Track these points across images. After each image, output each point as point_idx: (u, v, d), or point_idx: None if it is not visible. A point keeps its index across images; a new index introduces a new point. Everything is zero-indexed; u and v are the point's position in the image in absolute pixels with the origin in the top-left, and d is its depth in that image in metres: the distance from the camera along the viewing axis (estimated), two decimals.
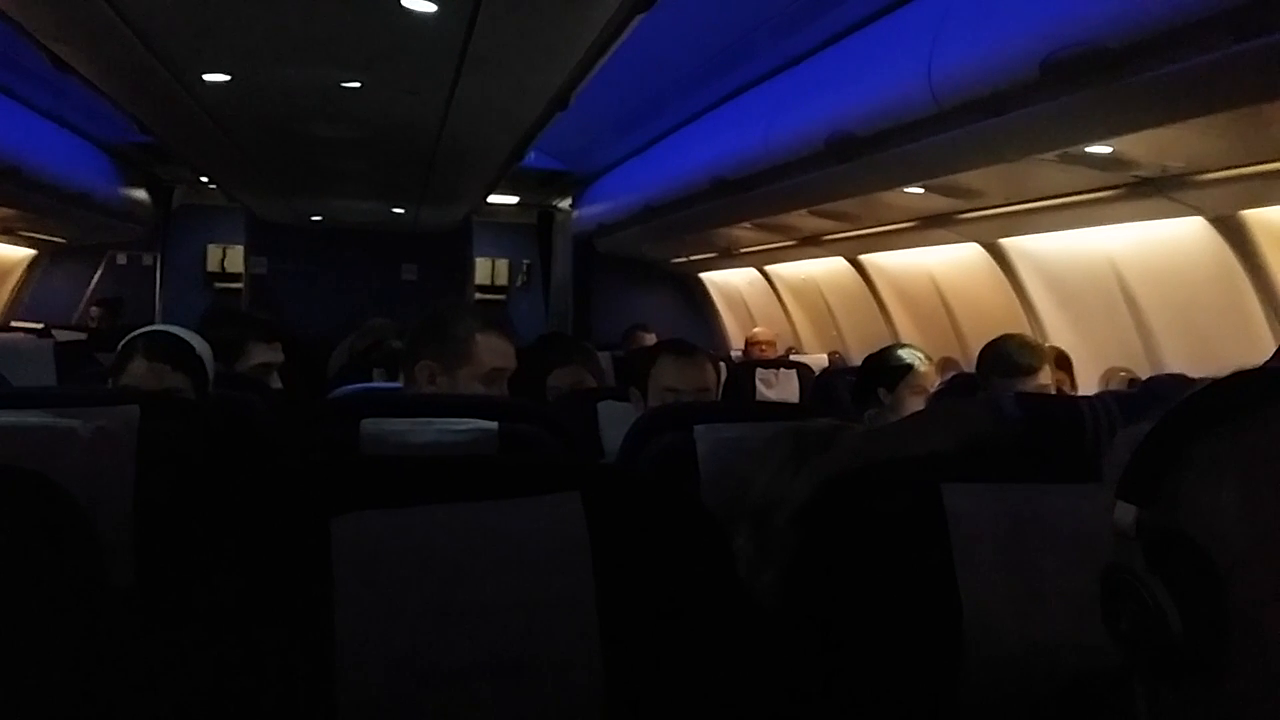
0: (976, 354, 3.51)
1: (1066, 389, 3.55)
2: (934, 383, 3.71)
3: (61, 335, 5.94)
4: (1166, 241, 4.22)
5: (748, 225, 6.76)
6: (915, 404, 3.34)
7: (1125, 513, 0.77)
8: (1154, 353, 4.44)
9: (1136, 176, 3.83)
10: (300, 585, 0.99)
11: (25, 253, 9.78)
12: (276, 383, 3.39)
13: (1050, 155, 3.73)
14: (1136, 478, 0.77)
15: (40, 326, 7.11)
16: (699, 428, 2.20)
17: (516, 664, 1.00)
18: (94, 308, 9.14)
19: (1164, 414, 0.78)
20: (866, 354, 3.81)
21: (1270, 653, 0.71)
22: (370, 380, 3.93)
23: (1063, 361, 3.72)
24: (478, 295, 11.84)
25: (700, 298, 10.25)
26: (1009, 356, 3.24)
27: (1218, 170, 3.60)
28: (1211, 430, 0.76)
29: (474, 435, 2.00)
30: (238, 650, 0.98)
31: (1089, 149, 3.60)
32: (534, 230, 11.75)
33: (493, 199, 9.76)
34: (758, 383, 4.74)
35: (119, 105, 5.81)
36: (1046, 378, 3.22)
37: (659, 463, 2.19)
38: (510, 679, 0.99)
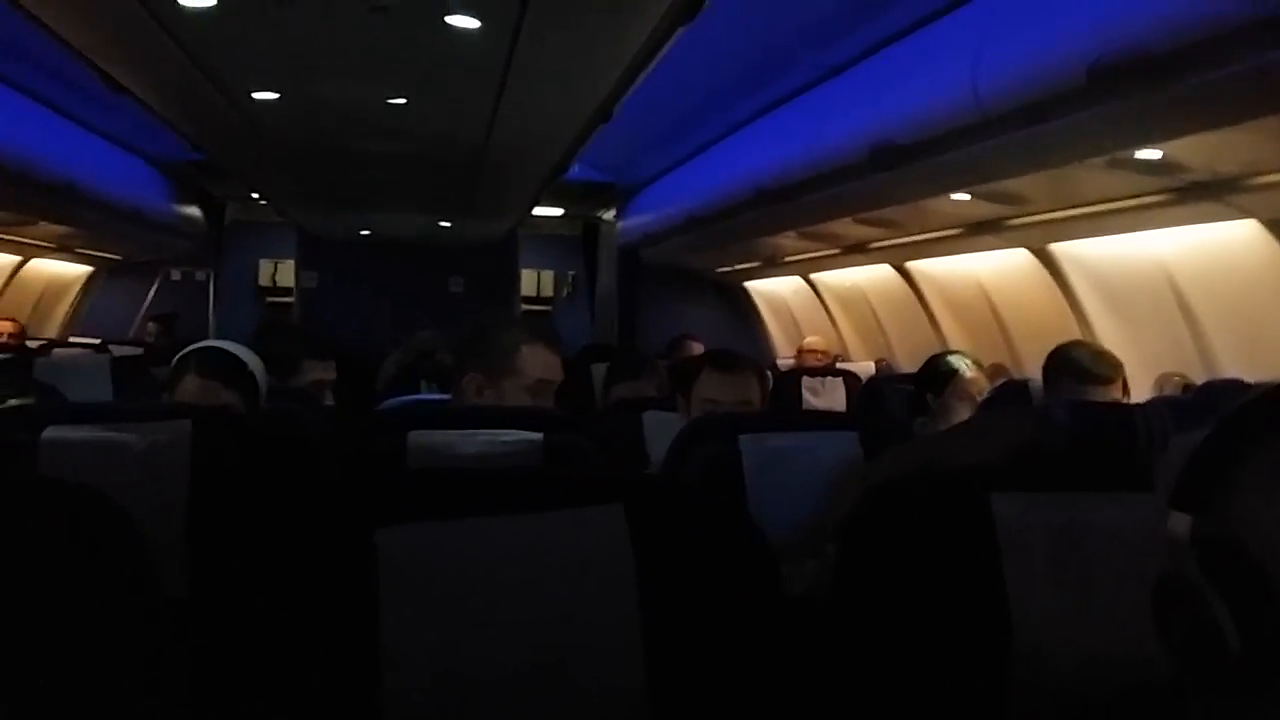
0: (1026, 360, 3.48)
1: (1119, 397, 3.49)
2: (983, 389, 3.66)
3: (118, 350, 6.03)
4: (1220, 245, 4.16)
5: (792, 234, 6.74)
6: (963, 410, 3.30)
7: (1179, 522, 0.75)
8: (1208, 357, 4.38)
9: (1187, 181, 3.79)
10: (346, 596, 1.00)
11: (82, 269, 9.94)
12: (329, 399, 3.42)
13: (1099, 161, 3.70)
14: (1190, 486, 0.76)
15: (97, 342, 7.22)
16: (744, 438, 2.19)
17: (560, 677, 1.00)
18: (150, 323, 9.26)
19: (1218, 421, 0.76)
20: (915, 363, 3.78)
21: None
22: (419, 392, 3.95)
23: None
24: (524, 307, 11.90)
25: (745, 307, 10.23)
26: (1082, 363, 3.18)
27: (1271, 173, 3.55)
28: (1267, 438, 0.74)
29: (519, 447, 2.00)
30: (286, 660, 0.99)
31: (1138, 154, 3.57)
32: (579, 242, 11.79)
33: (538, 211, 9.80)
34: (804, 391, 4.70)
35: (171, 123, 5.91)
36: (1118, 391, 3.17)
37: (703, 473, 2.18)
38: (554, 691, 1.00)
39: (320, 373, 3.40)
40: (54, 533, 1.13)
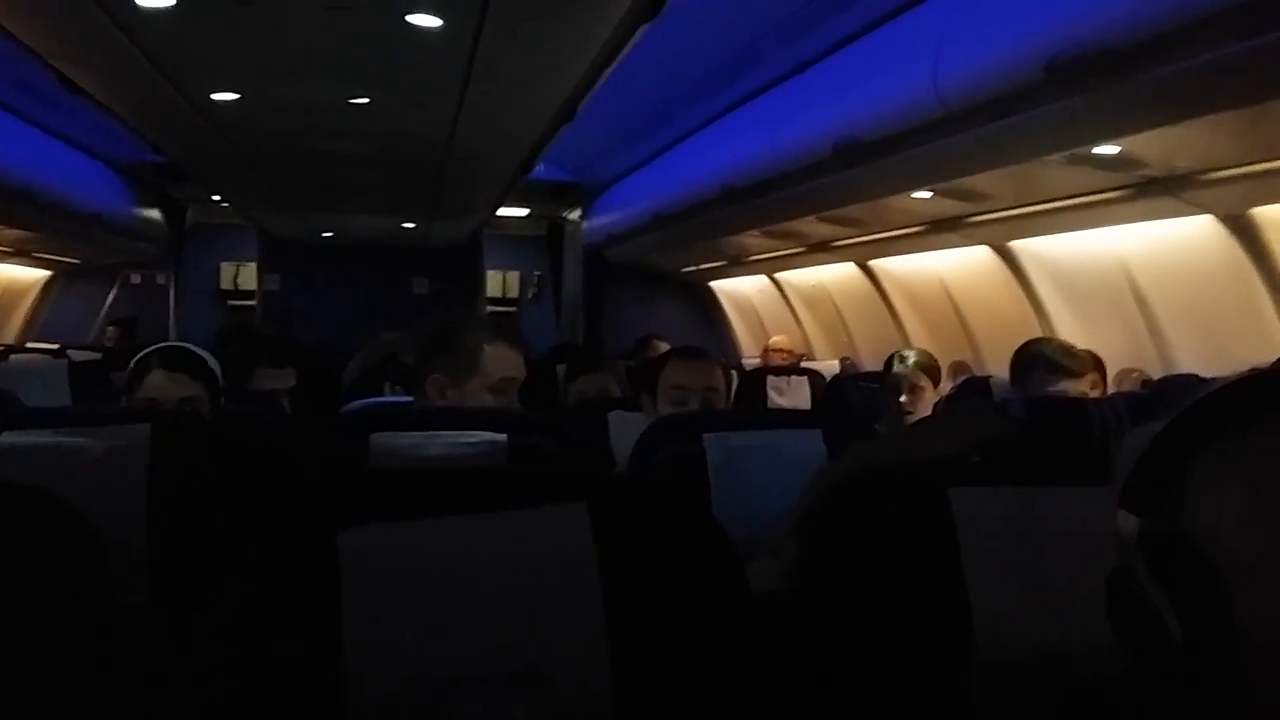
0: (987, 357, 3.52)
1: (1098, 392, 3.53)
2: (923, 381, 3.82)
3: (77, 355, 5.96)
4: (1177, 241, 4.20)
5: (757, 232, 6.75)
6: (915, 404, 3.41)
7: (1128, 520, 0.77)
8: (1166, 353, 4.42)
9: (1145, 176, 3.82)
10: (309, 599, 1.00)
11: (40, 274, 9.81)
12: (286, 406, 3.40)
13: (1058, 156, 3.72)
14: (1139, 486, 0.77)
15: (55, 347, 7.13)
16: (708, 436, 2.18)
17: (525, 676, 1.00)
18: (110, 327, 9.16)
19: (1169, 420, 0.78)
20: (878, 360, 3.84)
21: (1274, 661, 0.71)
22: (383, 394, 3.94)
23: (1098, 364, 3.71)
24: (489, 308, 11.85)
25: (711, 307, 10.24)
26: (1054, 357, 3.24)
27: (1227, 168, 3.58)
28: (1216, 436, 0.75)
29: (484, 448, 1.99)
30: (249, 665, 0.99)
31: (1096, 150, 3.60)
32: (544, 242, 11.77)
33: (502, 211, 9.77)
34: (769, 390, 4.72)
35: (129, 125, 5.85)
36: (1088, 385, 3.22)
37: (668, 471, 2.18)
38: (519, 690, 0.99)
39: (274, 381, 3.40)
40: (9, 539, 1.12)
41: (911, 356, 3.94)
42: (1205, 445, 0.76)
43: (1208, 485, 0.75)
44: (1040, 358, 3.29)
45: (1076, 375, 3.22)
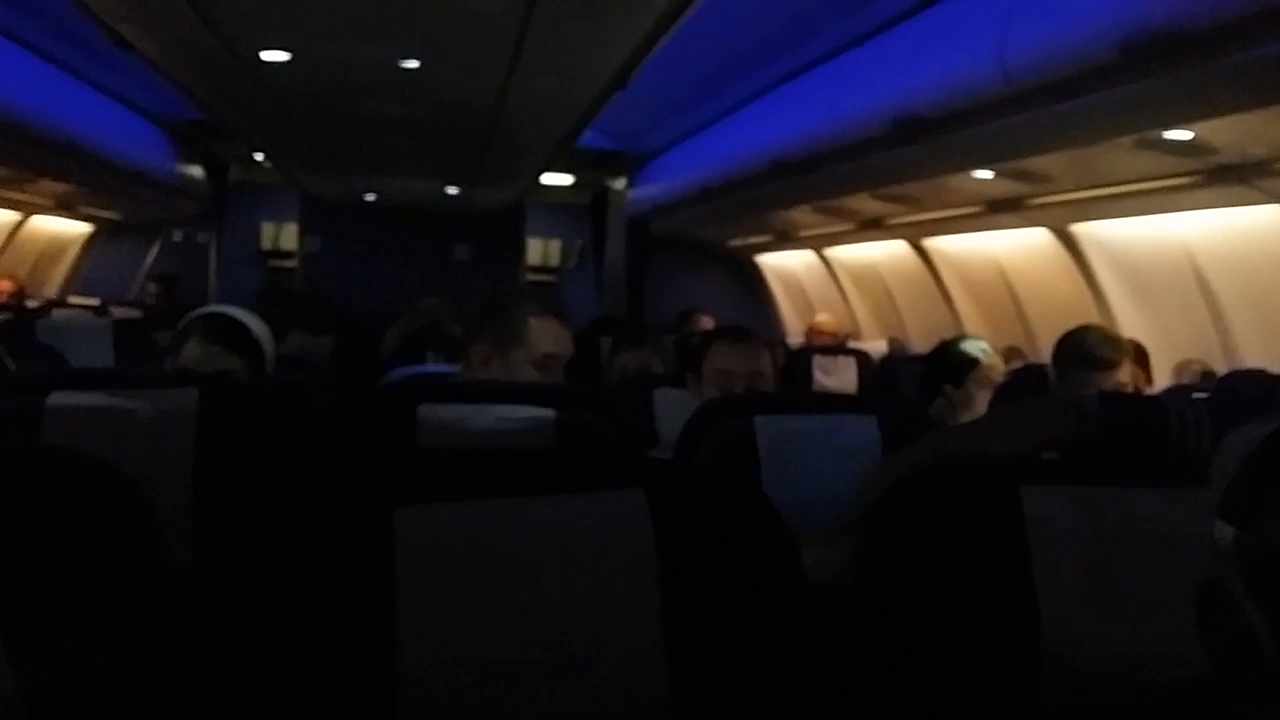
0: (1043, 344, 3.44)
1: (1142, 385, 3.44)
2: (1001, 374, 3.63)
3: (118, 312, 6.00)
4: (1246, 230, 4.13)
5: (806, 208, 6.74)
6: (983, 398, 3.27)
7: (1225, 530, 0.76)
8: (1230, 346, 4.35)
9: (1217, 163, 3.75)
10: (361, 574, 1.00)
11: (83, 229, 9.92)
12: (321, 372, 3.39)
13: (1127, 140, 3.67)
14: (1239, 496, 0.76)
15: (97, 303, 7.19)
16: (759, 419, 2.14)
17: (579, 661, 1.00)
18: (150, 284, 9.24)
19: (1274, 430, 0.76)
20: (928, 342, 3.75)
21: None
22: (425, 363, 3.92)
23: (1140, 356, 3.61)
24: (529, 276, 11.86)
25: (756, 281, 10.19)
26: (1088, 349, 3.15)
27: None
28: None
29: (531, 424, 1.98)
30: (296, 633, 0.99)
31: (1168, 134, 3.54)
32: (587, 211, 11.73)
33: (546, 179, 9.75)
34: (815, 370, 4.66)
35: (176, 82, 5.85)
36: (1126, 374, 3.13)
37: (718, 455, 2.14)
38: (572, 676, 0.99)
39: (309, 344, 3.39)
40: (64, 505, 1.13)
41: (983, 343, 3.67)
42: None
43: None
44: (1073, 352, 3.20)
45: (1109, 366, 3.14)
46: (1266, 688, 0.72)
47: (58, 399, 1.83)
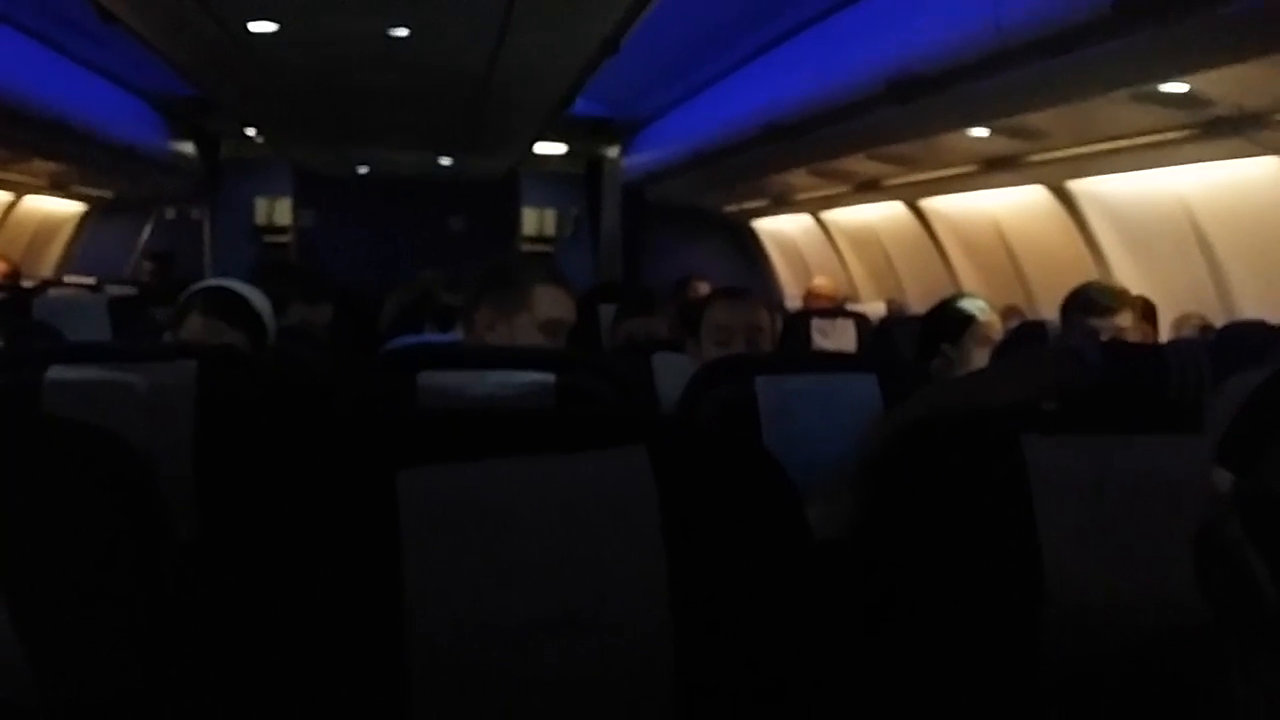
0: (1042, 302, 3.44)
1: (1149, 340, 3.45)
2: (999, 332, 3.63)
3: (114, 290, 5.99)
4: (1243, 182, 4.13)
5: (802, 171, 6.72)
6: (981, 355, 3.27)
7: (1222, 476, 0.77)
8: (1228, 298, 4.35)
9: (1213, 116, 3.74)
10: (366, 538, 0.99)
11: (76, 208, 9.89)
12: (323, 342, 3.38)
13: (1122, 94, 3.66)
14: (1236, 443, 0.77)
15: (93, 281, 7.18)
16: (760, 379, 2.13)
17: (585, 620, 0.99)
18: (146, 262, 9.22)
19: (1269, 375, 0.77)
20: (927, 304, 3.74)
21: None
22: (423, 334, 3.91)
23: (1148, 313, 3.61)
24: (525, 246, 11.83)
25: (753, 246, 10.17)
26: (1090, 295, 3.18)
27: None
28: None
29: (532, 388, 1.97)
30: (303, 603, 0.99)
31: (1163, 88, 3.53)
32: (582, 179, 11.69)
33: (540, 148, 9.72)
34: (814, 333, 4.66)
35: (165, 57, 5.81)
36: (1126, 321, 3.14)
37: (719, 416, 2.14)
38: (579, 635, 0.98)
39: (309, 315, 3.38)
40: (71, 475, 1.12)
41: (980, 301, 3.68)
42: None
43: None
44: (1076, 298, 3.23)
45: (1108, 312, 3.15)
46: (1265, 632, 0.73)
47: (56, 373, 1.83)
